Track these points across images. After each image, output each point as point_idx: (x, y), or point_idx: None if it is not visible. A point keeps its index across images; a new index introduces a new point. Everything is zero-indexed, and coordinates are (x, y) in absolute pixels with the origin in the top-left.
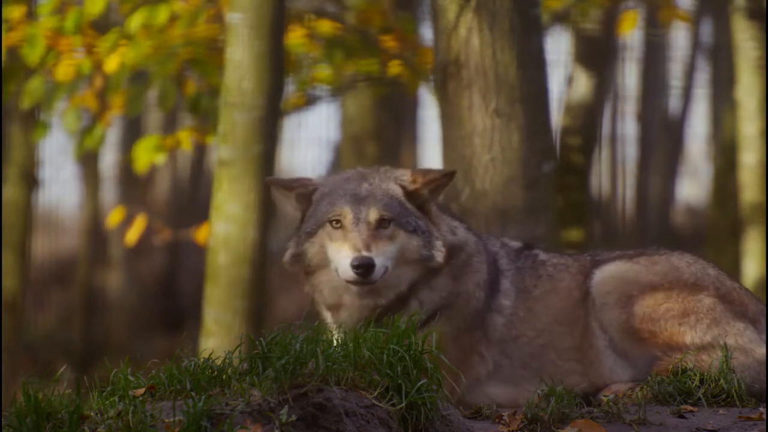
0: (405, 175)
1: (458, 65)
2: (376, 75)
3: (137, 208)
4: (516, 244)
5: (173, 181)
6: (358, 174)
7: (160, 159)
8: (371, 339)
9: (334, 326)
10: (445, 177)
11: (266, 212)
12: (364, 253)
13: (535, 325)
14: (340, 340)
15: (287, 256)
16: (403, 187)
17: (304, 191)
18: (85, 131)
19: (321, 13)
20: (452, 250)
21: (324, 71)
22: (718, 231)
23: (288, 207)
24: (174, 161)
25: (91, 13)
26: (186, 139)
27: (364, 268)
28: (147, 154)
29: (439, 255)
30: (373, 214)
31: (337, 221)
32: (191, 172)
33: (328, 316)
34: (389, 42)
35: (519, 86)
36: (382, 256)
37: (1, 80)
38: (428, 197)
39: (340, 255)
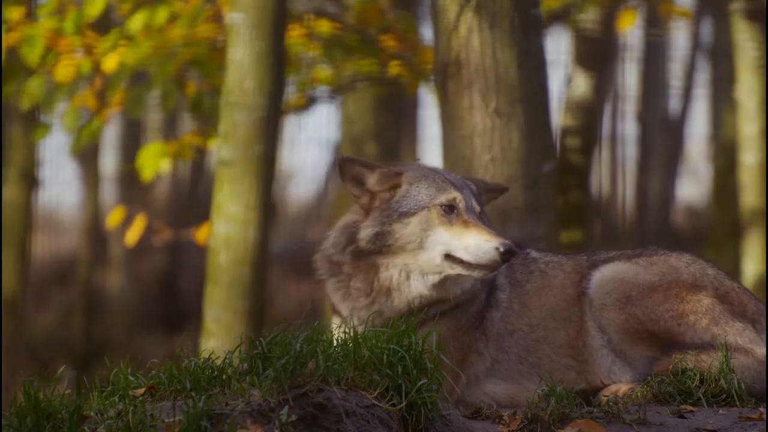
0: (479, 183)
1: (458, 65)
2: (376, 75)
3: (137, 208)
4: None
5: (173, 181)
6: (434, 168)
7: (165, 166)
8: (371, 339)
9: (350, 315)
10: (502, 192)
11: (266, 212)
12: (506, 240)
13: (530, 320)
14: (338, 338)
15: (369, 233)
16: (481, 189)
17: (388, 172)
18: (82, 127)
19: (320, 13)
20: None
21: (324, 71)
22: (718, 231)
23: (355, 190)
24: (174, 161)
25: (91, 13)
26: (187, 148)
27: (511, 252)
28: (152, 162)
29: (502, 248)
30: (476, 207)
31: (450, 207)
32: (191, 172)
33: (344, 307)
34: (388, 41)
35: (519, 86)
36: None
37: (1, 81)
38: (485, 199)
39: (471, 239)
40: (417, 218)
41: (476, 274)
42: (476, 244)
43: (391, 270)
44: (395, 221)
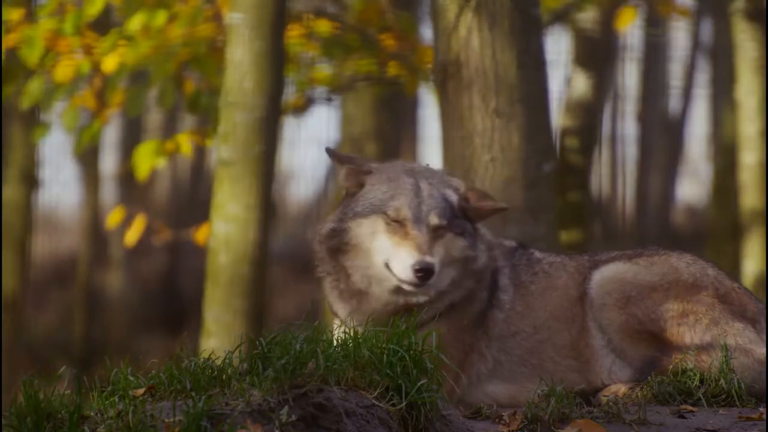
0: (461, 188)
1: (458, 65)
2: (376, 75)
3: (137, 208)
4: (511, 243)
5: (173, 181)
6: (416, 169)
7: (161, 163)
8: (371, 339)
9: (348, 317)
10: (495, 212)
11: (266, 212)
12: (427, 258)
13: (533, 321)
14: (338, 338)
15: (326, 228)
16: (460, 199)
17: (356, 169)
18: (83, 128)
19: (320, 13)
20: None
21: (323, 71)
22: (718, 231)
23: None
24: (174, 161)
25: (90, 14)
26: (186, 142)
27: (425, 272)
28: (147, 160)
29: (483, 256)
30: (433, 219)
31: (397, 215)
32: (191, 172)
33: (340, 308)
34: (388, 41)
35: (519, 86)
36: (438, 261)
37: (1, 81)
38: (473, 216)
39: (400, 253)
40: (368, 221)
41: (405, 287)
42: (402, 258)
43: (355, 274)
44: (350, 219)
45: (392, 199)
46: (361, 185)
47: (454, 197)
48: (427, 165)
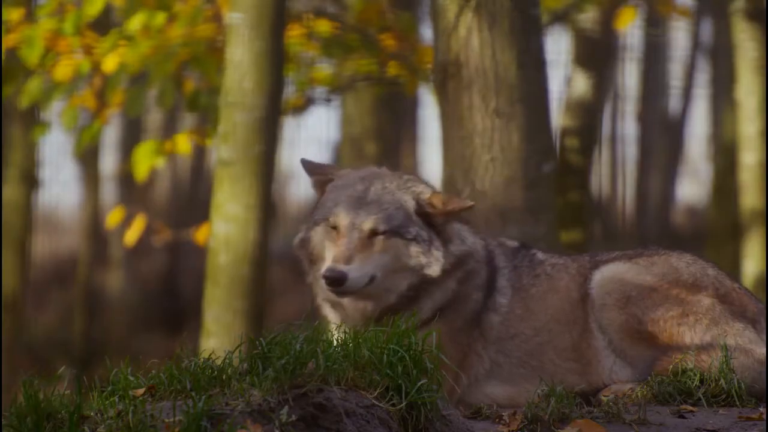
0: (425, 194)
1: (458, 65)
2: (376, 75)
3: (137, 208)
4: (513, 243)
5: (173, 181)
6: (376, 174)
7: (160, 163)
8: (371, 339)
9: (334, 323)
10: (465, 210)
11: (266, 212)
12: (339, 267)
13: (534, 324)
14: (338, 338)
15: (297, 239)
16: (419, 205)
17: (321, 179)
18: (83, 128)
19: (320, 13)
20: (460, 260)
21: (323, 71)
22: (718, 231)
23: None
24: (174, 161)
25: (90, 14)
26: (185, 142)
27: (331, 280)
28: (146, 160)
29: (437, 265)
30: (368, 224)
31: (334, 222)
32: (191, 172)
33: (329, 312)
34: (388, 41)
35: (519, 86)
36: (368, 267)
37: (1, 81)
38: (441, 221)
39: (325, 261)
40: (319, 229)
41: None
42: (323, 266)
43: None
44: (310, 228)
45: (335, 206)
46: (324, 193)
47: (411, 203)
48: (404, 174)
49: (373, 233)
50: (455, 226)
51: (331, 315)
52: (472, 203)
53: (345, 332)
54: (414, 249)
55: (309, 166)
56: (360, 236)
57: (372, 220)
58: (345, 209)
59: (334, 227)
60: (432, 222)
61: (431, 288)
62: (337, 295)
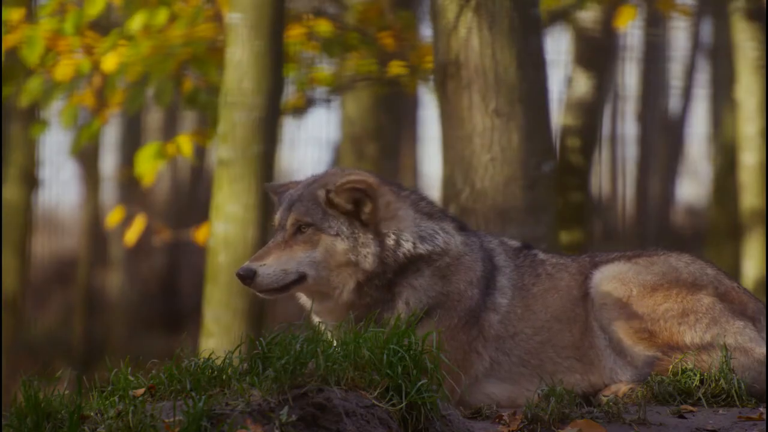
0: (332, 182)
1: (458, 65)
2: (376, 75)
3: (137, 208)
4: (515, 243)
5: (173, 181)
6: (312, 178)
7: (161, 165)
8: (371, 339)
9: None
10: (356, 191)
11: (266, 212)
12: (251, 265)
13: (534, 323)
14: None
15: None
16: (327, 193)
17: (282, 191)
18: (83, 127)
19: (319, 13)
20: (417, 256)
21: (323, 71)
22: (718, 231)
23: None
24: (174, 161)
25: (90, 14)
26: (187, 144)
27: (240, 277)
28: (149, 164)
29: (366, 261)
30: (290, 219)
31: (274, 223)
32: (191, 173)
33: (314, 313)
34: (387, 40)
35: (519, 86)
36: (288, 263)
37: (1, 81)
38: (352, 209)
39: None
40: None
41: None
42: None
43: None
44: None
45: (276, 208)
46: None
47: (322, 194)
48: (335, 170)
49: (298, 229)
50: (405, 222)
51: (314, 316)
52: (363, 186)
53: (329, 331)
54: (340, 244)
55: (271, 188)
56: (287, 234)
57: (293, 215)
58: (279, 210)
59: (275, 227)
60: (360, 216)
61: (412, 281)
62: (259, 292)
